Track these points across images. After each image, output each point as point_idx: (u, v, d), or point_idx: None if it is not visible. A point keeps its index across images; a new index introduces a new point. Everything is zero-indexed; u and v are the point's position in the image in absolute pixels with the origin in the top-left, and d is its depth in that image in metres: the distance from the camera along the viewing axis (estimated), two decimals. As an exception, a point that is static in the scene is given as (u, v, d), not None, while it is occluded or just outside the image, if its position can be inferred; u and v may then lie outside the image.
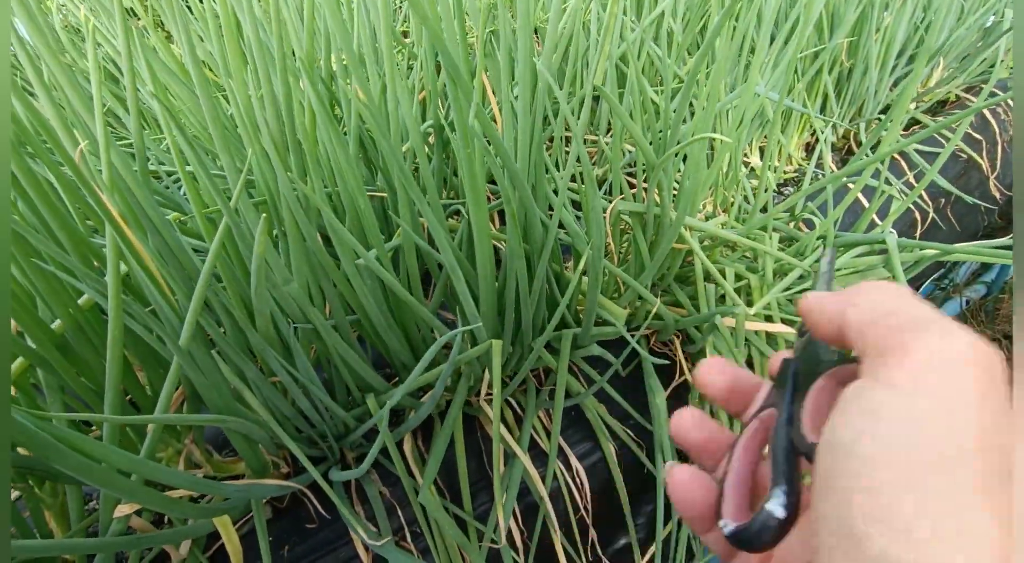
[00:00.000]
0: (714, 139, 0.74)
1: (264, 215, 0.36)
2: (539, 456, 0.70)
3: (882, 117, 1.20)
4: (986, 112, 1.33)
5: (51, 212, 0.41)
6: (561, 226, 0.58)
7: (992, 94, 1.33)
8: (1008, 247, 0.60)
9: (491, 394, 0.68)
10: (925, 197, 1.16)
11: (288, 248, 0.49)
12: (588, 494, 0.72)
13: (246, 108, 0.38)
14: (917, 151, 1.17)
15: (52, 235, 0.43)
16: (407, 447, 0.65)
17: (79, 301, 0.50)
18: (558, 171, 0.76)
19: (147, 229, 0.40)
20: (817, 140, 1.23)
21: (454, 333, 0.46)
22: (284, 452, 0.64)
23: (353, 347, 0.53)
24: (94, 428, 0.60)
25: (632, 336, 0.72)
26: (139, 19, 1.34)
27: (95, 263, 0.52)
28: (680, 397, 0.78)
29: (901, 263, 0.68)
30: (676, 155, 0.64)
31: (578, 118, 0.50)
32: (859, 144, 1.22)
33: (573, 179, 0.92)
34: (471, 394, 0.69)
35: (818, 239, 0.73)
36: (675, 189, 0.73)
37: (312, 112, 0.39)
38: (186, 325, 0.38)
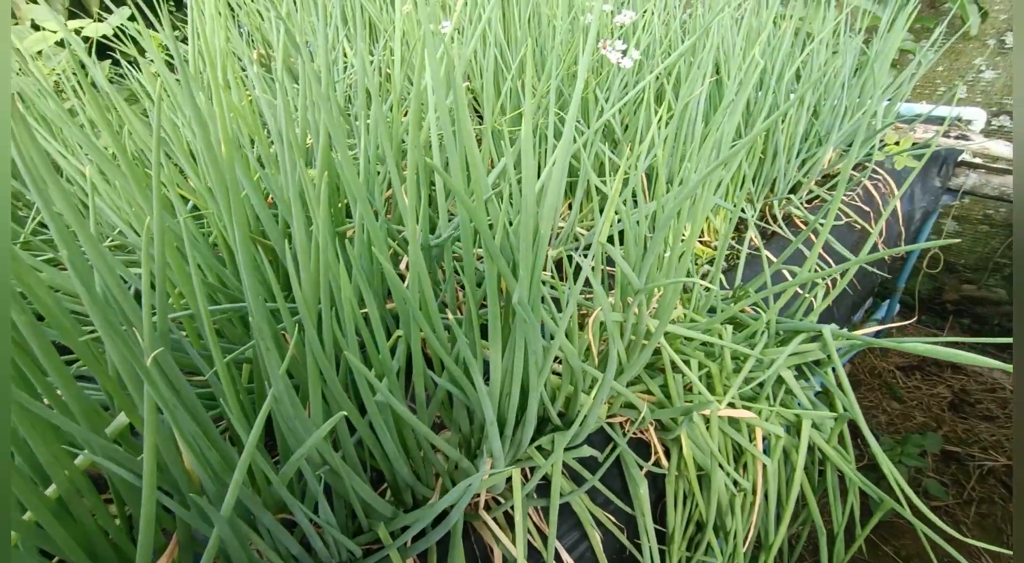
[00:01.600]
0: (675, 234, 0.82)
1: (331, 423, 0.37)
2: (532, 553, 0.72)
3: (792, 196, 1.37)
4: (870, 186, 1.55)
5: (74, 398, 0.39)
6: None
7: (873, 171, 1.56)
8: (940, 343, 0.70)
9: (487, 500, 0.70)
10: (833, 264, 1.32)
11: (306, 385, 0.50)
12: (580, 587, 0.74)
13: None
14: (822, 225, 1.33)
15: (69, 414, 0.41)
16: (408, 565, 0.65)
17: (75, 462, 0.48)
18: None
19: (177, 413, 0.39)
20: (740, 217, 1.38)
21: (477, 477, 0.48)
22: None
23: (364, 480, 0.53)
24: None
25: (610, 425, 0.76)
26: (76, 114, 1.26)
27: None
28: (654, 479, 0.84)
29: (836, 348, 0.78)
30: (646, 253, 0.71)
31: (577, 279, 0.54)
32: (773, 218, 1.38)
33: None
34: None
35: (766, 324, 0.82)
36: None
37: (353, 285, 0.41)
38: (226, 504, 0.38)
